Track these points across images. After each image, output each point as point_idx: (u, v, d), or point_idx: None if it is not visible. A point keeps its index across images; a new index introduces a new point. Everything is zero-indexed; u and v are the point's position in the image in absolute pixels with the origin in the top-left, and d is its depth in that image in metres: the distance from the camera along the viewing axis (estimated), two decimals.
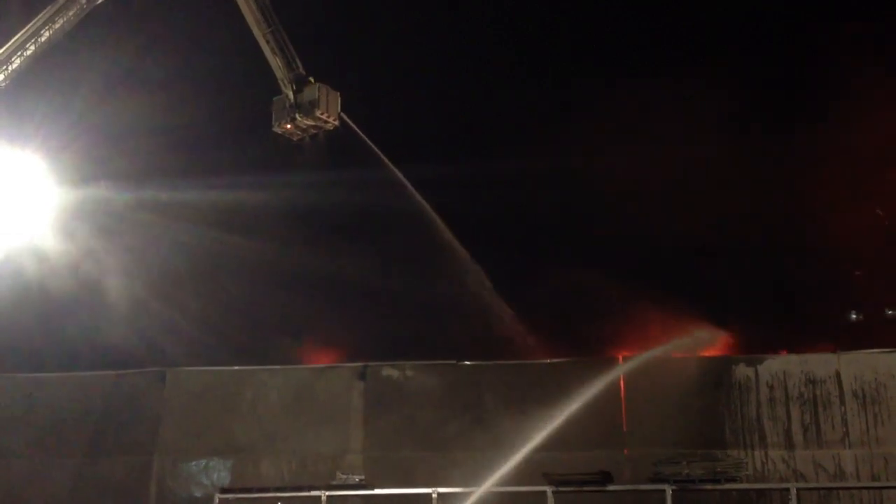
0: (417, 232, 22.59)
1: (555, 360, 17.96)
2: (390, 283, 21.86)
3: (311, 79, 18.75)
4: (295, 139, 19.32)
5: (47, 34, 17.64)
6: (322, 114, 18.67)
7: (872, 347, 17.22)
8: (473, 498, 15.65)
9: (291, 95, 18.65)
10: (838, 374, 16.98)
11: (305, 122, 18.82)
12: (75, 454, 18.27)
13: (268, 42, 18.28)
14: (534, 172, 22.44)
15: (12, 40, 17.61)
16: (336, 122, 18.97)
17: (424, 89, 23.98)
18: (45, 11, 17.57)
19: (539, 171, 22.22)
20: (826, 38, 21.91)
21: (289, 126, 18.96)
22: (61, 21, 17.47)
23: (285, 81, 18.59)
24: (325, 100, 18.63)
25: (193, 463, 17.96)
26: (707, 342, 18.90)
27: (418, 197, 20.80)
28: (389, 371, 18.20)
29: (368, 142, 19.95)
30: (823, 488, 16.40)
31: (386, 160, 20.37)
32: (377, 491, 16.33)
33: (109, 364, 19.35)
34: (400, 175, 20.60)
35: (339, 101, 18.96)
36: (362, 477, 16.54)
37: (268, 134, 19.46)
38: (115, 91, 20.95)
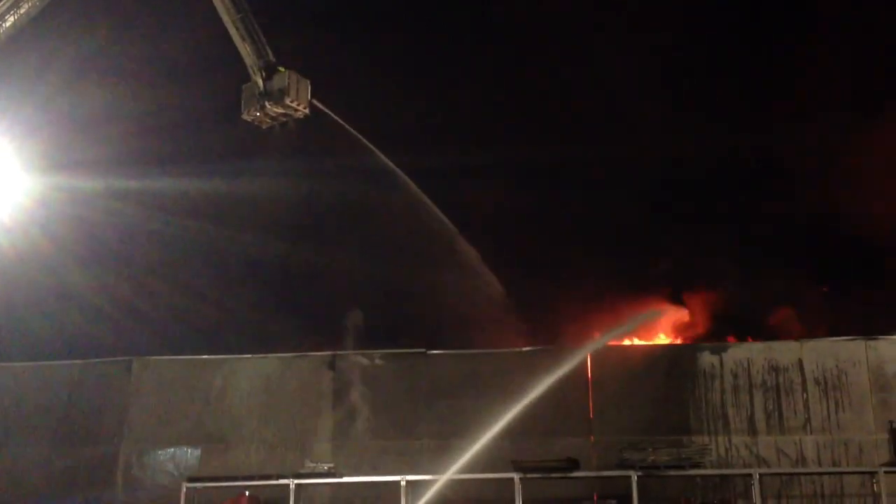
0: (389, 220, 22.66)
1: (523, 349, 18.08)
2: (360, 271, 21.87)
3: (282, 67, 18.65)
4: (264, 127, 19.21)
5: (12, 19, 17.40)
6: (292, 102, 18.56)
7: (834, 335, 17.57)
8: (438, 485, 15.77)
9: (261, 83, 18.51)
10: (801, 362, 17.31)
11: (275, 110, 18.67)
12: (41, 444, 18.11)
13: (237, 29, 18.12)
14: (504, 160, 22.55)
15: None
16: (306, 111, 18.85)
17: (396, 77, 23.96)
18: None
19: (509, 159, 22.33)
20: None
21: (258, 114, 18.83)
22: (26, 6, 17.22)
23: (255, 69, 18.44)
24: (294, 88, 18.49)
25: (161, 451, 17.88)
26: (659, 318, 19.16)
27: (403, 176, 20.59)
28: (358, 360, 18.23)
29: (345, 125, 19.81)
30: (785, 474, 16.70)
31: (366, 141, 20.17)
32: (346, 479, 16.40)
33: (76, 353, 19.21)
34: (383, 157, 20.39)
35: (310, 89, 18.90)
36: (331, 465, 16.56)
37: (237, 121, 19.36)
38: (84, 76, 20.76)
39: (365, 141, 20.17)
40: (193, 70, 21.51)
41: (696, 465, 15.77)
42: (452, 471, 15.95)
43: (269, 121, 19.07)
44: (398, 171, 20.63)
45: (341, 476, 16.39)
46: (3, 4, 17.17)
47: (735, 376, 17.33)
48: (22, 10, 17.28)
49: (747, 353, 17.44)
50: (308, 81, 18.79)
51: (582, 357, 17.38)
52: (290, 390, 18.15)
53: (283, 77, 18.48)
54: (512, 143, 22.81)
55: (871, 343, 17.18)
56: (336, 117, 19.64)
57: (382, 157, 20.36)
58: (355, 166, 20.75)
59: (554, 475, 15.84)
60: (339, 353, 18.32)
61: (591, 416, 17.35)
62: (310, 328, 20.68)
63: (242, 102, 18.93)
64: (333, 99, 19.59)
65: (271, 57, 18.58)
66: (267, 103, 18.58)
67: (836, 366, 17.16)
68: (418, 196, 20.92)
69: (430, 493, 15.87)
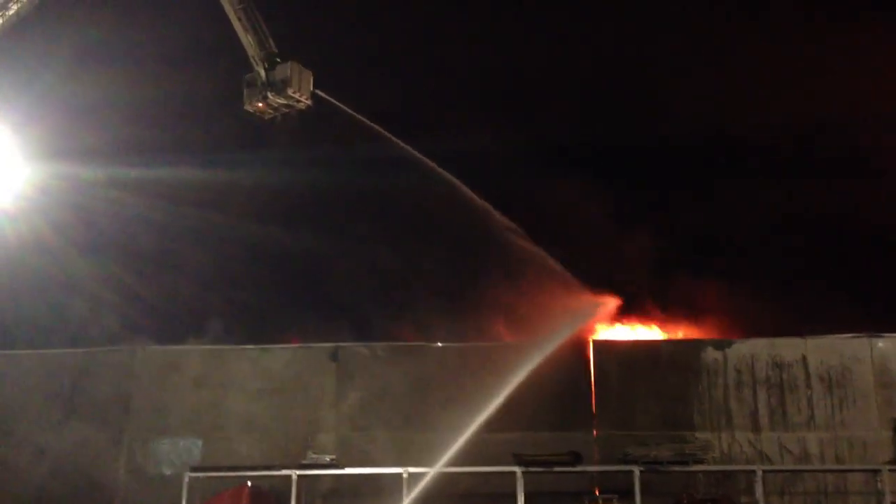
0: (395, 209, 22.57)
1: (526, 342, 18.01)
2: (363, 263, 21.82)
3: (278, 58, 18.52)
4: (267, 118, 19.12)
5: (15, 7, 17.28)
6: (294, 92, 18.47)
7: (839, 332, 17.48)
8: (427, 478, 15.80)
9: (263, 73, 18.41)
10: (805, 358, 17.25)
11: (277, 100, 18.58)
12: (45, 432, 18.14)
13: (239, 19, 18.00)
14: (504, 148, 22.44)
15: None
16: (309, 101, 18.74)
17: (395, 65, 23.83)
18: None
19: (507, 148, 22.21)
20: None
21: (260, 104, 18.70)
22: None
23: (257, 59, 18.35)
24: (297, 78, 18.38)
25: (163, 441, 17.92)
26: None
27: (417, 155, 20.34)
28: (361, 351, 18.22)
29: (352, 112, 19.61)
30: (788, 470, 16.69)
31: (377, 127, 19.93)
32: (348, 470, 16.48)
33: (80, 342, 19.22)
34: (398, 141, 20.10)
35: (312, 79, 18.78)
36: (333, 456, 16.64)
37: (240, 111, 19.25)
38: (85, 65, 20.65)
39: (376, 126, 19.95)
40: (195, 59, 21.39)
41: (699, 461, 15.78)
42: (454, 463, 15.98)
43: (271, 111, 18.98)
44: (406, 156, 20.40)
45: (343, 467, 16.45)
46: None
47: (739, 372, 17.28)
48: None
49: (751, 349, 17.39)
50: (311, 72, 18.67)
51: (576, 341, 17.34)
52: (293, 381, 18.16)
53: (286, 68, 18.37)
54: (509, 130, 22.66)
55: (876, 340, 17.14)
56: (340, 105, 19.49)
57: (396, 141, 20.06)
58: (359, 155, 20.63)
59: (556, 469, 15.85)
60: (341, 344, 18.32)
61: (594, 410, 17.33)
62: (313, 319, 20.65)
63: (245, 93, 18.84)
64: (333, 85, 19.48)
65: (273, 47, 18.45)
66: (269, 94, 18.49)
67: (841, 363, 17.11)
68: (425, 183, 20.79)
69: (430, 485, 15.91)
